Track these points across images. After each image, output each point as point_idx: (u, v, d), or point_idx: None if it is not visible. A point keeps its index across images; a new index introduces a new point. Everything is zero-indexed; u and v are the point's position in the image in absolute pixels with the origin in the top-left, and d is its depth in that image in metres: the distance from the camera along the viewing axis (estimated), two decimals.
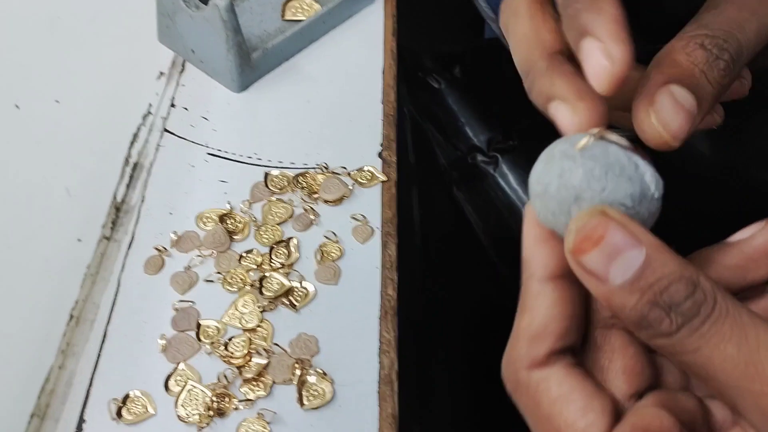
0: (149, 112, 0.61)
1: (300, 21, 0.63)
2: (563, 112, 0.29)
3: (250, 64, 0.59)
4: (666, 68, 0.28)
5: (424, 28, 0.82)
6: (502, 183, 0.78)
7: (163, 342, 0.46)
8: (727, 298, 0.23)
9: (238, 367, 0.45)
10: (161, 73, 0.63)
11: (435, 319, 0.58)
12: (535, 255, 0.27)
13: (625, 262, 0.23)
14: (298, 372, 0.45)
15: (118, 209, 0.56)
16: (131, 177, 0.57)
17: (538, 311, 0.27)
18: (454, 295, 0.63)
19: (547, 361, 0.26)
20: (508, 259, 0.72)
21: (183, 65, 0.62)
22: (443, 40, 0.82)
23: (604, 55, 0.27)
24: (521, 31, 0.32)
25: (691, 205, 0.67)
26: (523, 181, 0.78)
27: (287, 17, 0.64)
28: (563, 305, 0.27)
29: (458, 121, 0.80)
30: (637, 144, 0.27)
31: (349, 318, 0.48)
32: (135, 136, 0.60)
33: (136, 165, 0.58)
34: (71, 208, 0.55)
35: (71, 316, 0.50)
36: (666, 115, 0.27)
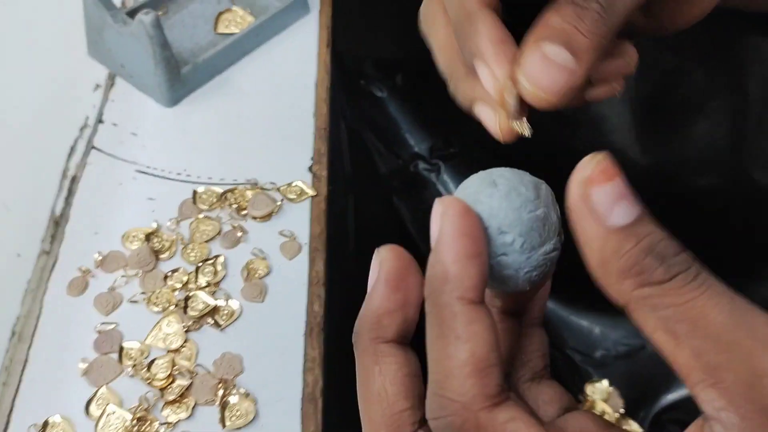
0: (86, 125, 0.60)
1: (233, 34, 0.62)
2: (486, 113, 0.30)
3: (180, 78, 0.58)
4: (537, 31, 0.27)
5: (367, 34, 0.82)
6: (443, 191, 0.79)
7: (85, 365, 0.46)
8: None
9: (161, 389, 0.45)
10: (97, 86, 0.63)
11: None
12: (464, 272, 0.25)
13: (627, 207, 0.23)
14: (220, 392, 0.45)
15: (57, 223, 0.55)
16: (69, 190, 0.57)
17: (481, 339, 0.24)
18: None
19: (502, 397, 0.24)
20: None
21: (113, 79, 0.61)
22: (386, 46, 0.82)
23: (494, 86, 0.28)
24: (440, 38, 0.33)
25: None
26: None
27: (220, 30, 0.63)
28: (496, 331, 0.25)
29: (400, 129, 0.80)
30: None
31: (275, 336, 0.48)
32: (72, 149, 0.59)
33: (74, 178, 0.57)
34: (10, 223, 0.55)
35: (13, 333, 0.49)
36: (536, 72, 0.27)
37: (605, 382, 0.72)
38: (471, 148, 0.79)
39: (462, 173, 0.79)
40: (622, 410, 0.71)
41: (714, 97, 0.61)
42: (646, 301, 0.23)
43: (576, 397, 0.72)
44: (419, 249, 0.77)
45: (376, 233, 0.69)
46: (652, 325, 0.23)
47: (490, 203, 0.27)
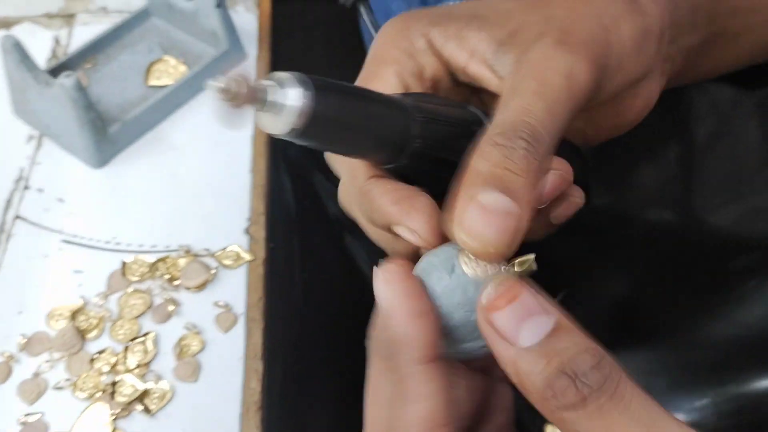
0: (21, 177, 0.57)
1: (165, 86, 0.60)
2: (407, 235, 0.28)
3: (108, 138, 0.56)
4: (466, 180, 0.26)
5: (310, 67, 0.79)
6: None
7: None
8: (629, 378, 0.23)
9: None
10: (30, 137, 0.60)
11: (316, 402, 0.56)
12: (414, 332, 0.25)
13: (535, 326, 0.23)
14: None
15: None
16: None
17: (432, 400, 0.25)
18: (341, 358, 0.61)
19: None
20: None
21: (40, 140, 0.59)
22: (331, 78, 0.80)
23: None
24: (359, 219, 0.33)
25: (587, 258, 0.67)
26: None
27: (151, 83, 0.61)
28: (450, 390, 0.25)
29: None
30: None
31: (209, 418, 0.46)
32: (8, 202, 0.56)
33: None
34: None
35: None
36: (477, 226, 0.25)
37: None
38: (422, 173, 0.77)
39: None
40: None
41: (662, 140, 0.60)
42: (566, 424, 0.23)
43: None
44: (370, 289, 0.75)
45: (327, 283, 0.67)
46: None
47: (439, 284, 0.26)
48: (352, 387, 0.60)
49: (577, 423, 0.23)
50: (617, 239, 0.68)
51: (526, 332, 0.23)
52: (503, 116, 0.27)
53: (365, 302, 0.73)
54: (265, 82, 0.23)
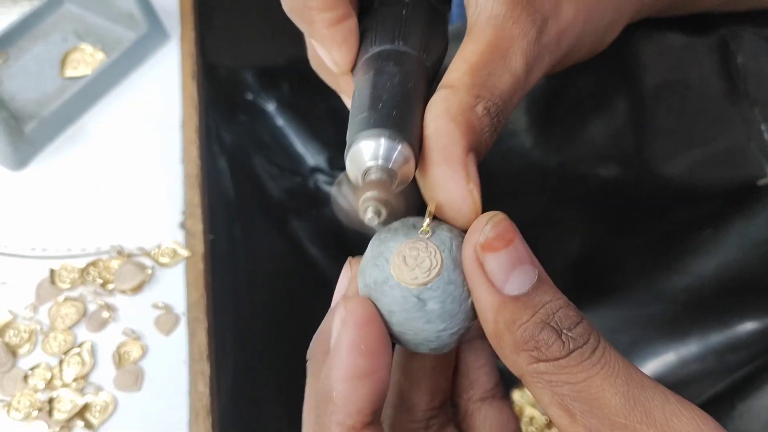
0: None
1: (83, 77, 0.56)
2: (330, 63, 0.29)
3: (25, 138, 0.52)
4: (467, 134, 0.25)
5: (243, 47, 0.76)
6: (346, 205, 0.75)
7: None
8: (604, 339, 0.23)
9: None
10: None
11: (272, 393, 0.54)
12: (349, 395, 0.23)
13: (523, 274, 0.23)
14: None
15: None
16: None
17: None
18: (293, 349, 0.59)
19: None
20: None
21: None
22: (268, 57, 0.77)
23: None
24: None
25: (539, 219, 0.66)
26: None
27: (68, 74, 0.57)
28: None
29: (293, 145, 0.75)
30: None
31: (156, 427, 0.44)
32: None
33: None
34: None
35: None
36: (477, 184, 0.25)
37: None
38: None
39: None
40: None
41: (609, 92, 0.58)
42: (542, 377, 0.22)
43: None
44: (321, 272, 0.73)
45: (274, 271, 0.64)
46: (547, 400, 0.22)
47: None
48: (305, 376, 0.59)
49: (554, 378, 0.22)
50: (569, 198, 0.67)
51: (515, 280, 0.23)
52: (500, 79, 0.26)
53: (314, 286, 0.71)
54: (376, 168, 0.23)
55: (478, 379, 0.29)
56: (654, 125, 0.58)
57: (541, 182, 0.65)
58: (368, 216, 0.23)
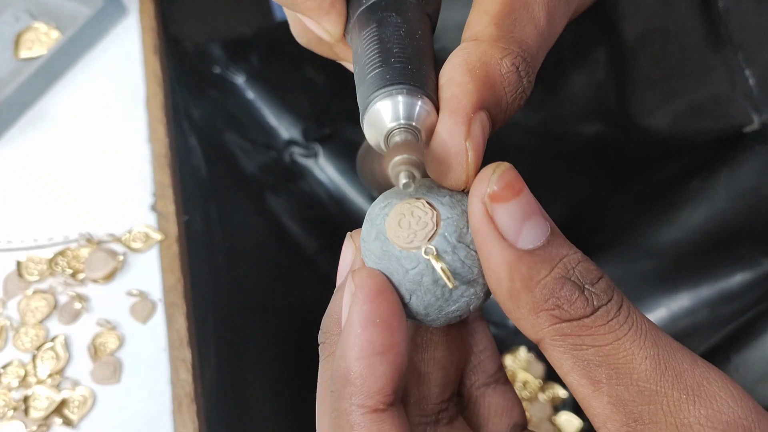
0: None
1: (38, 57, 0.53)
2: (321, 33, 0.26)
3: None
4: (481, 88, 0.22)
5: (207, 15, 0.73)
6: (324, 177, 0.73)
7: None
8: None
9: None
10: None
11: (258, 373, 0.52)
12: (368, 373, 0.21)
13: (536, 226, 0.21)
14: None
15: None
16: None
17: None
18: (277, 327, 0.58)
19: None
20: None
21: None
22: (234, 27, 0.74)
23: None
24: None
25: (522, 174, 0.64)
26: (344, 171, 0.72)
27: (22, 55, 0.54)
28: None
29: (266, 118, 0.73)
30: None
31: (138, 419, 0.42)
32: None
33: None
34: None
35: None
36: (477, 145, 0.22)
37: (522, 350, 0.69)
38: (344, 127, 0.72)
39: (341, 154, 0.72)
40: (543, 376, 0.68)
41: (589, 46, 0.56)
42: (564, 340, 0.20)
43: None
44: (302, 247, 0.71)
45: (253, 248, 0.63)
46: (568, 366, 0.20)
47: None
48: (292, 355, 0.57)
49: (579, 341, 0.20)
50: (553, 157, 0.65)
51: (528, 233, 0.20)
52: (527, 32, 0.24)
53: (295, 261, 0.69)
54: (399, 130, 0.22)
55: (480, 364, 0.27)
56: (636, 77, 0.57)
57: (523, 142, 0.63)
58: (403, 182, 0.20)
